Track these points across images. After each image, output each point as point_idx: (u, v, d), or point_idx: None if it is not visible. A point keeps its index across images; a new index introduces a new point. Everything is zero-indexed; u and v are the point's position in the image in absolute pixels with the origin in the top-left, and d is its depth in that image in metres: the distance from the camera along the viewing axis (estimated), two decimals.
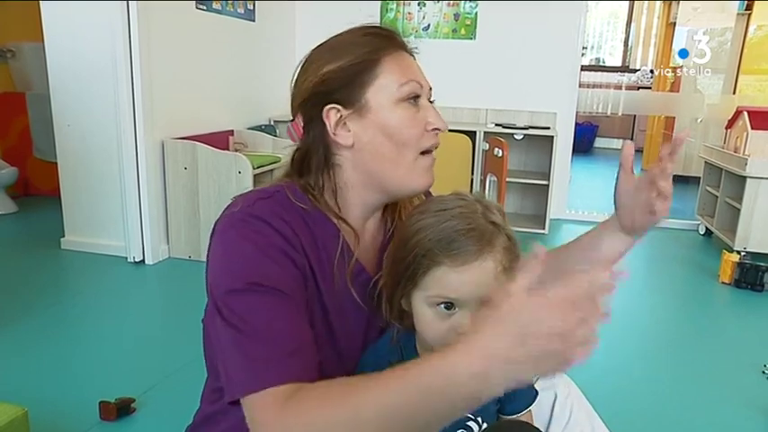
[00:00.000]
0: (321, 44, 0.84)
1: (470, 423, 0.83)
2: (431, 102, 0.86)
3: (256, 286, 0.71)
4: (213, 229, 0.79)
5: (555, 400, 0.98)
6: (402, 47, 0.84)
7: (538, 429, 0.81)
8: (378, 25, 0.85)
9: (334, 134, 0.81)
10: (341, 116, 0.81)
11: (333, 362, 0.81)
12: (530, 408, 0.87)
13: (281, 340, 0.69)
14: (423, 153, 0.83)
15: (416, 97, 0.82)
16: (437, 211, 0.75)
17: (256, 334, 0.69)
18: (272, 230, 0.74)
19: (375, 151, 0.81)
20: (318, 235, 0.81)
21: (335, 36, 0.84)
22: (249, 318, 0.70)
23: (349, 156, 0.82)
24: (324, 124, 0.81)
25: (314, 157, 0.83)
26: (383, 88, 0.80)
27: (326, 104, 0.81)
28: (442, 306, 0.74)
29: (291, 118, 0.86)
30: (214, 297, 0.74)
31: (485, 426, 0.84)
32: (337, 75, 0.80)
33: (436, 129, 0.83)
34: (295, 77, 0.85)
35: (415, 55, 0.86)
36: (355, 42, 0.81)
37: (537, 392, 0.88)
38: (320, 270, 0.79)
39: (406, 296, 0.77)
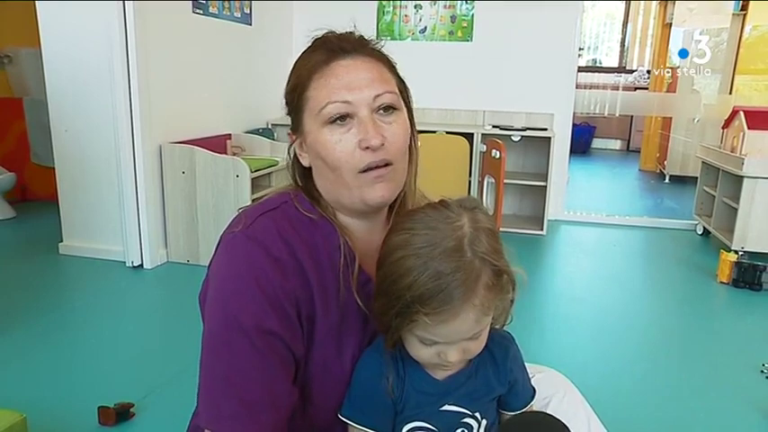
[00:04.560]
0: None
1: (469, 420, 0.83)
2: (390, 109, 0.79)
3: (241, 328, 0.73)
4: (219, 241, 0.81)
5: (551, 401, 0.98)
6: (346, 53, 0.78)
7: (562, 422, 0.82)
8: (325, 34, 0.82)
9: (299, 155, 0.85)
10: (295, 139, 0.84)
11: (337, 370, 0.82)
12: (531, 404, 0.89)
13: (251, 395, 0.74)
14: (364, 171, 0.78)
15: (344, 116, 0.77)
16: (422, 247, 0.71)
17: (228, 382, 0.74)
18: (266, 260, 0.75)
19: (320, 174, 0.82)
20: (325, 247, 0.81)
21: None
22: (227, 363, 0.74)
23: (315, 174, 0.85)
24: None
25: (295, 171, 0.87)
26: (311, 112, 0.79)
27: (290, 128, 0.85)
28: (427, 341, 0.76)
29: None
30: (205, 314, 0.78)
31: (484, 422, 0.84)
32: (286, 100, 0.84)
33: (368, 147, 0.76)
34: None
35: (381, 51, 0.82)
36: (301, 61, 0.82)
37: (535, 390, 0.90)
38: (322, 288, 0.79)
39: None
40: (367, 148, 0.76)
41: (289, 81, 0.83)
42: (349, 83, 0.77)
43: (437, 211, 0.76)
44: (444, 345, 0.75)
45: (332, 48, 0.79)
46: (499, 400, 0.88)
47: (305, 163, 0.84)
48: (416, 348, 0.77)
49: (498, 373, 0.85)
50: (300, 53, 0.83)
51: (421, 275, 0.70)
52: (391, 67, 0.83)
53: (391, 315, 0.73)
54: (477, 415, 0.83)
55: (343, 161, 0.77)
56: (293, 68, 0.82)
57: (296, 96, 0.80)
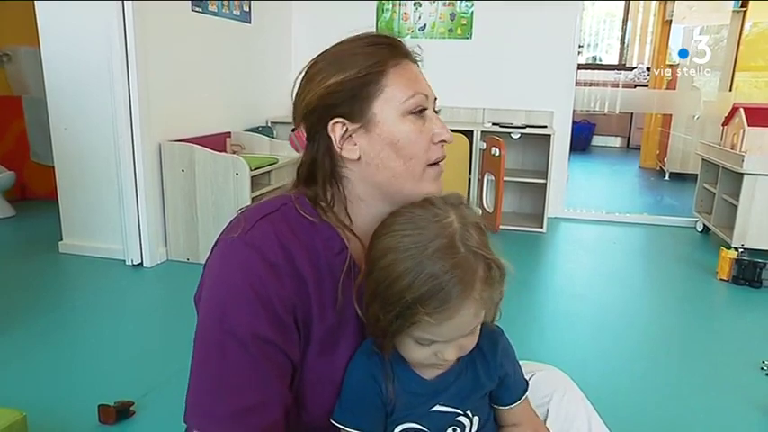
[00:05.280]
0: (324, 53, 0.82)
1: (462, 419, 0.83)
2: (436, 112, 0.84)
3: (234, 332, 0.72)
4: (215, 243, 0.79)
5: (552, 399, 0.98)
6: (406, 56, 0.82)
7: None
8: (381, 34, 0.83)
9: (339, 148, 0.80)
10: (347, 130, 0.79)
11: (332, 375, 0.81)
12: (525, 397, 0.88)
13: (242, 399, 0.72)
14: (430, 165, 0.82)
15: (423, 110, 0.80)
16: (414, 247, 0.71)
17: (220, 385, 0.73)
18: (262, 265, 0.74)
19: (383, 165, 0.79)
20: (324, 252, 0.79)
21: (338, 45, 0.82)
22: (218, 367, 0.73)
23: (356, 169, 0.81)
24: (329, 138, 0.80)
25: (319, 170, 0.82)
26: (390, 101, 0.78)
27: (332, 118, 0.79)
28: (424, 342, 0.75)
29: (293, 127, 0.85)
30: (199, 316, 0.77)
31: (476, 419, 0.84)
32: (343, 87, 0.78)
33: (443, 141, 0.82)
34: (297, 87, 0.83)
35: (418, 63, 0.84)
36: (360, 53, 0.79)
37: (527, 384, 0.90)
38: (319, 293, 0.78)
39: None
40: (441, 141, 0.82)
41: (341, 69, 0.78)
42: (420, 81, 0.82)
43: (423, 209, 0.76)
44: (442, 344, 0.75)
45: (398, 46, 0.82)
46: (491, 395, 0.87)
47: (352, 156, 0.79)
48: (412, 350, 0.77)
49: (488, 368, 0.84)
50: (341, 42, 0.81)
51: (418, 276, 0.70)
52: None
53: (390, 318, 0.72)
54: (469, 413, 0.83)
55: (422, 152, 0.80)
56: (344, 57, 0.79)
57: (365, 83, 0.78)
